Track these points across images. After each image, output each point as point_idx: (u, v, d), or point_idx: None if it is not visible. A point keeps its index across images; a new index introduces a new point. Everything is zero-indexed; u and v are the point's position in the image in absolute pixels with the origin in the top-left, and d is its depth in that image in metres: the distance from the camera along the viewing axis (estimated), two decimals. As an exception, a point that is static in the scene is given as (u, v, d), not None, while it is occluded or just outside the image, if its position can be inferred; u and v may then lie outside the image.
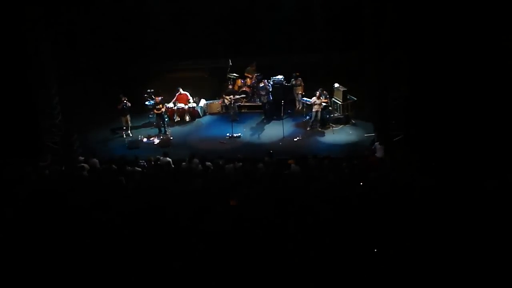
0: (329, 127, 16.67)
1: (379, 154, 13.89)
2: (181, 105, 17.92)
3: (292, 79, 17.90)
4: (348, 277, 7.54)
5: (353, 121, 16.92)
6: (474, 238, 8.03)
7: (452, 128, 13.60)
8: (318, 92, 16.42)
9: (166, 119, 17.13)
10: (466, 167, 11.13)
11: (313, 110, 16.49)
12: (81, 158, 14.19)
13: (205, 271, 7.83)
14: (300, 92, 17.92)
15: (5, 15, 13.84)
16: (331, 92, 17.28)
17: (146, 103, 17.68)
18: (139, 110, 17.69)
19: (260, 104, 17.93)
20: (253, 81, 18.45)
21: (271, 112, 17.60)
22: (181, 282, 7.78)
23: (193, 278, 7.78)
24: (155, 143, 16.45)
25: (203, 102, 18.49)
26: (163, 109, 16.86)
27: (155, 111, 16.94)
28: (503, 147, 12.49)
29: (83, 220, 9.59)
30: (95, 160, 13.84)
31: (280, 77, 18.17)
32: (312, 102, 16.49)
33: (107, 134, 17.10)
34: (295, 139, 16.10)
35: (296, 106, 18.13)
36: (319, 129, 16.55)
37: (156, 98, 16.97)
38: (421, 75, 13.75)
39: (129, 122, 16.84)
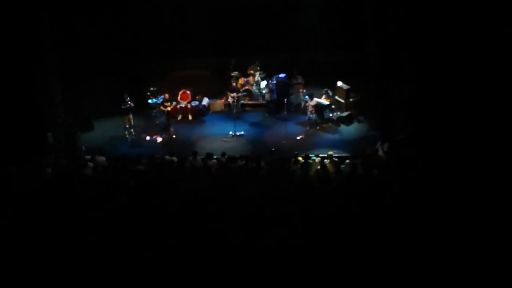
0: (331, 126, 16.68)
1: (382, 152, 13.86)
2: (183, 103, 17.94)
3: (293, 78, 17.91)
4: (350, 277, 7.53)
5: (358, 119, 16.91)
6: (479, 235, 8.00)
7: (457, 126, 13.55)
8: (309, 94, 16.50)
9: (168, 118, 17.13)
10: (471, 164, 11.10)
11: (309, 110, 16.55)
12: (86, 156, 14.18)
13: (207, 270, 7.83)
14: (301, 90, 17.91)
15: (8, 14, 13.83)
16: (333, 90, 17.26)
17: (149, 101, 17.68)
18: (142, 109, 17.69)
19: (264, 102, 17.94)
20: (256, 80, 18.44)
21: (274, 110, 17.60)
22: (183, 282, 7.78)
23: (195, 277, 7.78)
24: (158, 141, 16.46)
25: (206, 100, 18.49)
26: (169, 108, 16.90)
27: (161, 107, 16.95)
28: (508, 144, 12.45)
29: (86, 219, 9.60)
30: (102, 158, 13.85)
31: (283, 74, 18.16)
32: (308, 103, 16.53)
33: (111, 132, 17.10)
34: (298, 137, 16.11)
35: (300, 105, 18.11)
36: (317, 128, 16.53)
37: (165, 95, 17.00)
38: (425, 73, 13.71)
39: (132, 121, 16.83)
